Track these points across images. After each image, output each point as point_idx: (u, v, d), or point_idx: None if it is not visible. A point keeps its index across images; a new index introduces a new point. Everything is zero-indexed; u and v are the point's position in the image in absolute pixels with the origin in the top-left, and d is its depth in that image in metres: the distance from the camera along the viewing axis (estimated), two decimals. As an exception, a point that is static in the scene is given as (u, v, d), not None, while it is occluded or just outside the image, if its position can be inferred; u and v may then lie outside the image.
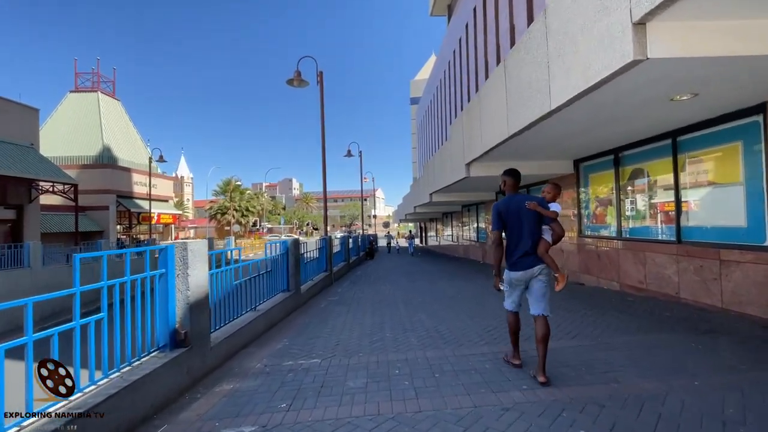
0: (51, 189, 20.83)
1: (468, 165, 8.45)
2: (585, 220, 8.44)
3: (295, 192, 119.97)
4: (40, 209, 21.57)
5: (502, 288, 3.36)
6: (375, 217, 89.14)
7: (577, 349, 3.98)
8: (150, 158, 23.77)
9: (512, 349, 3.49)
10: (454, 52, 20.30)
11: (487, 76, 12.82)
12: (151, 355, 3.32)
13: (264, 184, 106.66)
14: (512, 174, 3.36)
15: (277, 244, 6.97)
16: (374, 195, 71.12)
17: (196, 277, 3.73)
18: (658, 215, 6.26)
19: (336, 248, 12.98)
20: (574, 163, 8.50)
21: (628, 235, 7.01)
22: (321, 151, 11.12)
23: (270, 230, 69.19)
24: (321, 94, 10.95)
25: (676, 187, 5.74)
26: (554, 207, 3.28)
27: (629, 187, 6.97)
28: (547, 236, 3.24)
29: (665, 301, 5.94)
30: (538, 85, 4.63)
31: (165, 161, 23.20)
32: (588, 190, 8.28)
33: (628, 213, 7.02)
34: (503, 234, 3.29)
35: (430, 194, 13.77)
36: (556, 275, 3.19)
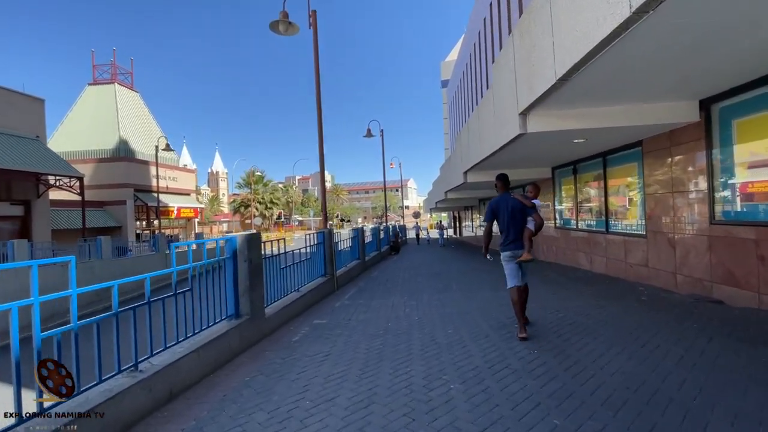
0: (56, 183, 19.71)
1: (524, 114, 5.41)
2: (721, 199, 5.17)
3: (328, 185, 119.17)
4: (49, 204, 20.63)
5: (489, 258, 4.36)
6: (407, 207, 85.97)
7: None
8: (156, 147, 22.18)
9: (519, 324, 4.05)
10: (491, 4, 16.86)
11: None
12: None
13: (297, 177, 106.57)
14: (502, 178, 4.33)
15: (214, 243, 4.41)
16: (404, 185, 68.12)
17: None
18: None
19: (346, 243, 10.35)
20: (700, 105, 5.23)
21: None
22: (317, 114, 8.41)
23: (301, 223, 68.30)
24: (314, 38, 8.20)
25: None
26: (536, 202, 4.23)
27: None
28: (531, 225, 4.13)
29: None
30: None
31: (172, 149, 21.51)
32: (730, 149, 5.00)
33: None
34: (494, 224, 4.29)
35: (465, 173, 10.73)
36: (524, 251, 4.05)
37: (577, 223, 9.48)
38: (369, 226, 16.88)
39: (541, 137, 6.00)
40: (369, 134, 18.61)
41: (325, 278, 7.93)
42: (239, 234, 4.54)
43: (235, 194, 47.21)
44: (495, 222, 4.26)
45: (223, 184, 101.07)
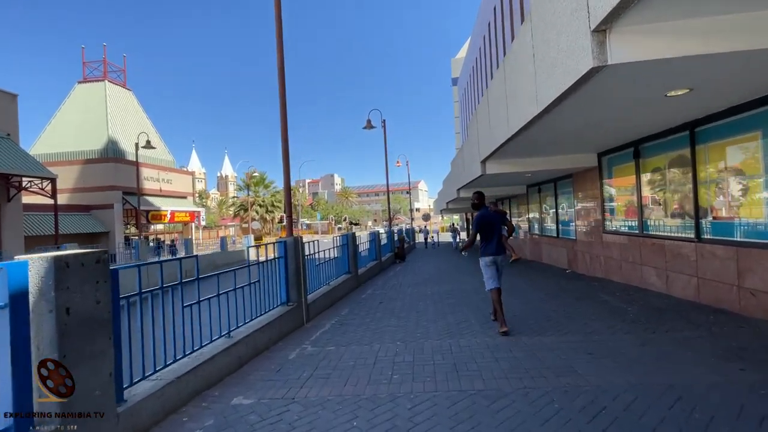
0: (24, 185, 17.85)
1: (603, 32, 2.96)
2: None
3: (337, 187, 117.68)
4: (22, 209, 18.84)
5: (464, 254, 5.82)
6: (418, 210, 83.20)
7: None
8: (136, 144, 20.27)
9: (500, 321, 4.62)
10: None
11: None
12: None
13: (307, 181, 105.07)
14: (480, 194, 5.09)
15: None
16: (414, 187, 65.51)
17: None
18: None
19: (331, 253, 7.99)
20: None
21: None
22: (279, 90, 6.09)
23: (309, 226, 66.42)
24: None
25: None
26: None
27: None
28: (504, 232, 4.93)
29: None
30: None
31: (153, 147, 19.56)
32: None
33: None
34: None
35: (483, 161, 8.25)
36: (512, 253, 5.92)
37: (641, 225, 6.91)
38: (372, 228, 14.46)
39: (623, 80, 3.55)
40: (369, 125, 16.25)
41: (289, 307, 5.57)
42: (33, 257, 2.20)
43: (236, 197, 45.42)
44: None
45: (232, 188, 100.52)
